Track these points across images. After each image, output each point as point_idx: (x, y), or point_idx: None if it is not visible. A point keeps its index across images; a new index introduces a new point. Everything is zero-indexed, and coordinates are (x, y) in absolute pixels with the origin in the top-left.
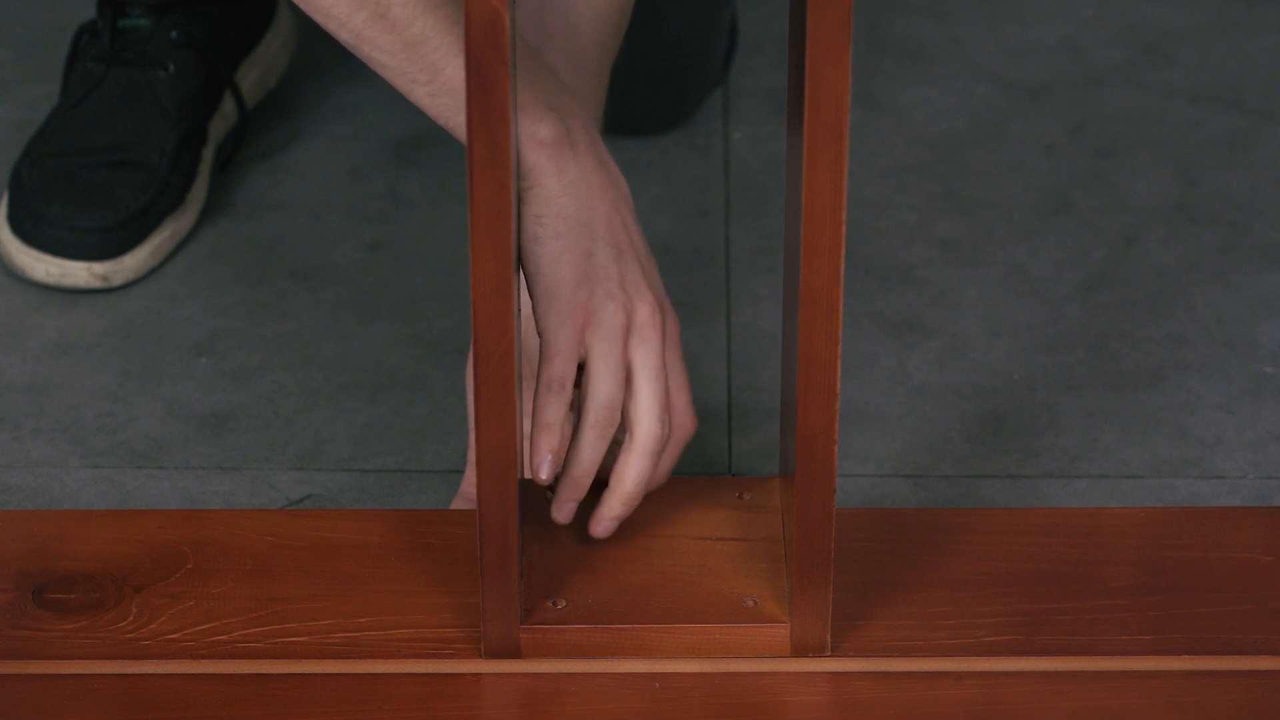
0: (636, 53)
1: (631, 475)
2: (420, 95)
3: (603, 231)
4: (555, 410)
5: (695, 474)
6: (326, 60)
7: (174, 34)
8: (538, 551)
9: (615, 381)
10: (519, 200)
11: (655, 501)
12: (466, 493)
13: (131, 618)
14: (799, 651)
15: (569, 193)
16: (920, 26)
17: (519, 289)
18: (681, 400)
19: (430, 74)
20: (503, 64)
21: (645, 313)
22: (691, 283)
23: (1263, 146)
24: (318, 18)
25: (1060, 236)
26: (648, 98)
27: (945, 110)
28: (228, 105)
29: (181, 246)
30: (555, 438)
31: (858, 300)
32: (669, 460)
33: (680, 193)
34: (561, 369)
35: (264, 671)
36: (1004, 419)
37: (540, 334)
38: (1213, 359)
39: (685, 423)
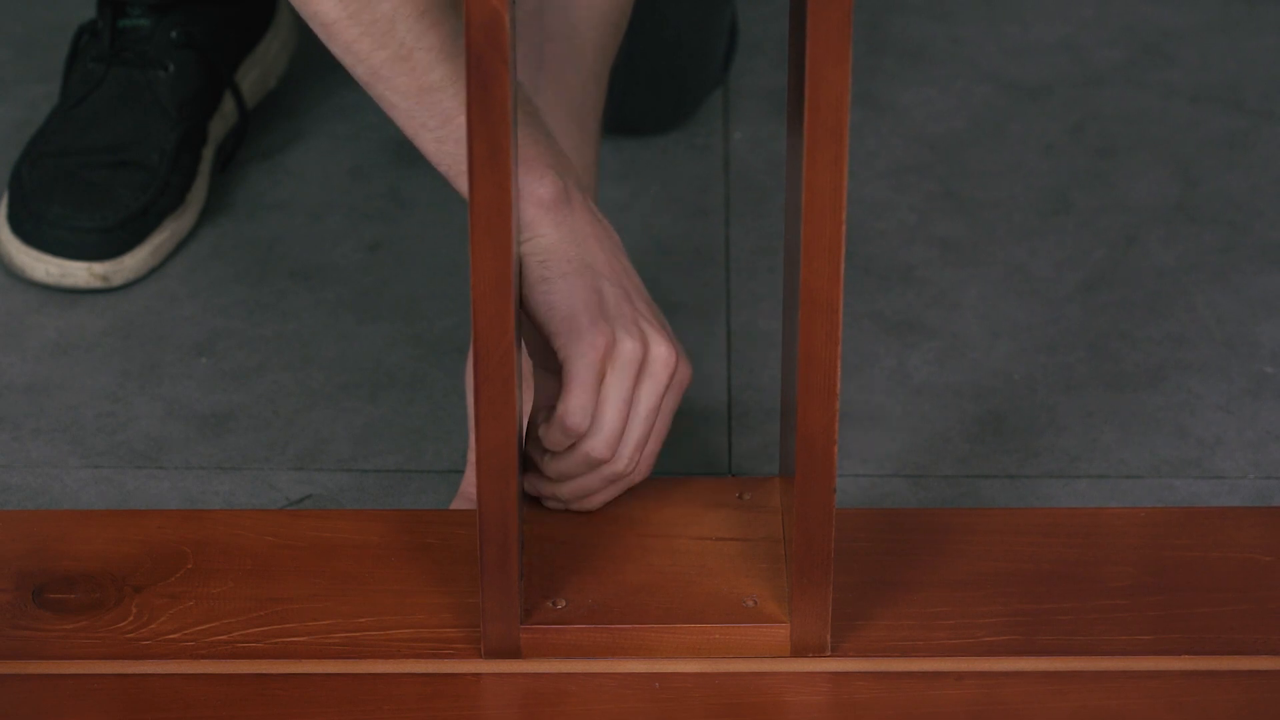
0: (636, 53)
1: (572, 488)
2: (427, 140)
3: (606, 273)
4: (561, 446)
5: (695, 474)
6: (327, 60)
7: (174, 34)
8: (538, 551)
9: (619, 418)
10: (519, 257)
11: (655, 501)
12: (466, 493)
13: (131, 618)
14: (799, 651)
15: (569, 239)
16: (920, 26)
17: (519, 289)
18: (651, 446)
19: (441, 120)
20: (503, 62)
21: (662, 352)
22: (691, 283)
23: (1263, 146)
24: (336, 50)
25: (1060, 236)
26: (648, 98)
27: (945, 110)
28: (228, 105)
29: (181, 246)
30: (556, 474)
31: (858, 300)
32: (607, 493)
33: (680, 193)
34: (581, 404)
35: (264, 671)
36: (1004, 419)
37: (561, 362)
38: (1213, 359)
39: (641, 469)
